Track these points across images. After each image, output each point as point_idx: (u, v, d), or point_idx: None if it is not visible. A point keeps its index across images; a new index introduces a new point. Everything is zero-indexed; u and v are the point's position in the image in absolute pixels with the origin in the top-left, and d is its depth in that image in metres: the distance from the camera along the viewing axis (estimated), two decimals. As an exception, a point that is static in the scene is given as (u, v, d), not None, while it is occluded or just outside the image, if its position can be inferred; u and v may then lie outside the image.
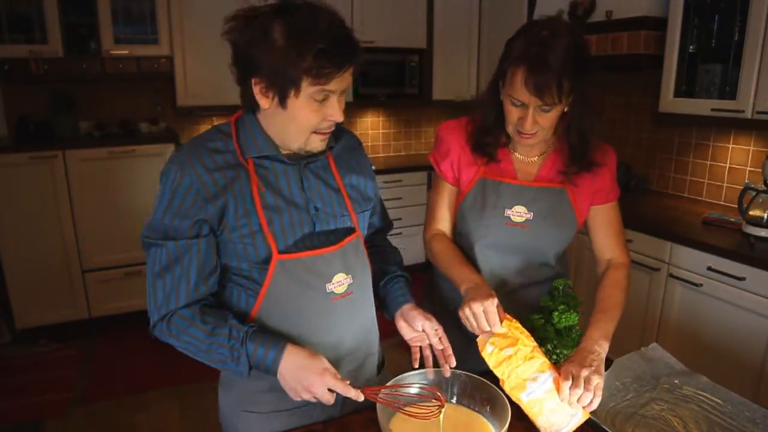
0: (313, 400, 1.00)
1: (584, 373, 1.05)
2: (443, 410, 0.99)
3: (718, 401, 1.14)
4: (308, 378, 0.98)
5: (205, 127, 3.96)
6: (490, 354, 1.10)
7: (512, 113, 1.22)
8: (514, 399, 1.07)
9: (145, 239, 1.05)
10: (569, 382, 1.05)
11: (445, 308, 1.42)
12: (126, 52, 3.32)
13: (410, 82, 4.23)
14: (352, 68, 1.00)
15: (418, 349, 1.18)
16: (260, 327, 1.06)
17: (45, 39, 3.13)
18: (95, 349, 3.27)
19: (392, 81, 4.17)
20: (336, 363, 1.10)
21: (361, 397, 0.98)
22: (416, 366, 1.17)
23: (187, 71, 3.49)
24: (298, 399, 1.01)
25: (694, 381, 1.21)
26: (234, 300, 1.11)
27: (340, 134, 1.18)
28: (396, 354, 1.24)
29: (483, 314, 1.11)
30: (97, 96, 3.62)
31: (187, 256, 1.03)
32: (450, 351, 1.14)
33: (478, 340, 1.13)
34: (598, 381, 1.06)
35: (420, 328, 1.16)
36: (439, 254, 1.37)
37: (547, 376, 1.08)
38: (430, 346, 1.17)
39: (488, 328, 1.12)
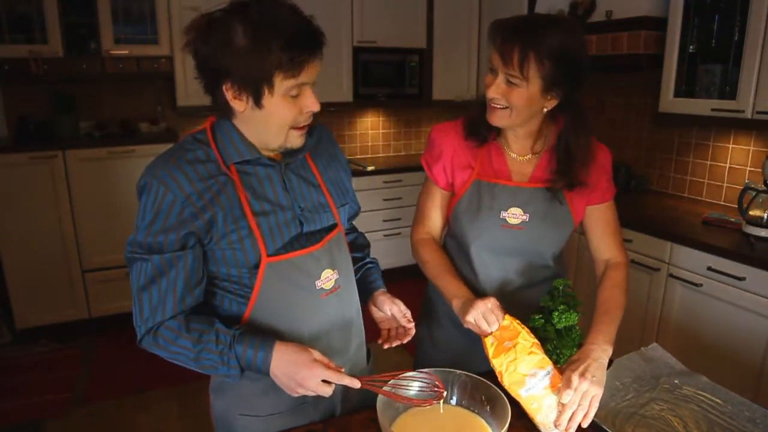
0: (311, 393, 1.00)
1: (584, 386, 1.05)
2: (443, 398, 1.00)
3: (718, 401, 1.14)
4: (299, 372, 0.98)
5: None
6: (491, 345, 1.12)
7: (487, 78, 1.23)
8: (513, 395, 1.07)
9: (128, 255, 1.02)
10: (570, 391, 1.04)
11: (445, 308, 1.41)
12: (126, 52, 3.32)
13: (410, 82, 4.23)
14: (321, 55, 0.98)
15: (386, 331, 1.25)
16: (247, 329, 1.05)
17: (45, 39, 3.13)
18: (95, 349, 3.27)
19: (392, 81, 4.17)
20: (328, 355, 1.10)
21: (356, 384, 0.99)
22: (380, 342, 1.24)
23: (187, 71, 3.48)
24: (296, 395, 1.01)
25: (694, 381, 1.21)
26: (225, 307, 1.10)
27: (312, 129, 1.15)
28: (386, 352, 1.25)
29: (489, 313, 1.14)
30: (97, 96, 3.62)
31: (173, 269, 1.00)
32: (413, 333, 1.22)
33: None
34: (596, 392, 1.05)
35: (389, 313, 1.22)
36: (429, 263, 1.36)
37: (546, 373, 1.08)
38: (397, 328, 1.25)
39: (495, 326, 1.14)
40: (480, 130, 1.31)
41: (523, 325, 1.14)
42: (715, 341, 2.28)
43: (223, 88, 0.96)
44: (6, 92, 3.41)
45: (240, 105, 0.98)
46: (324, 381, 0.99)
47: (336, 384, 1.00)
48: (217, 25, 0.93)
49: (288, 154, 1.09)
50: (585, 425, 1.05)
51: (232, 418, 1.16)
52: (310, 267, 1.08)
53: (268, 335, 1.05)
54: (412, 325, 1.22)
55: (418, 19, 4.12)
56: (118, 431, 2.55)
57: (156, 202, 0.99)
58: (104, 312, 3.40)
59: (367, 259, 1.34)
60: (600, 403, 1.08)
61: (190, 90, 3.52)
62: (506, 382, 1.08)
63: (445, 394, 1.00)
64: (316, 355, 1.01)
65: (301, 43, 0.93)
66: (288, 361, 0.99)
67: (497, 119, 1.24)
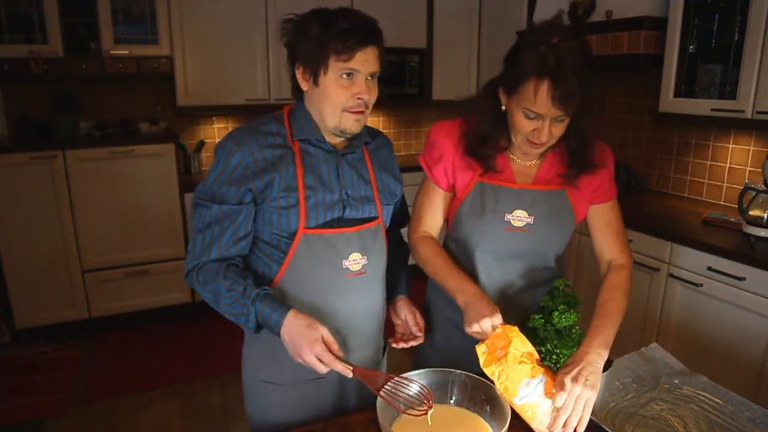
0: (308, 365, 1.08)
1: (577, 389, 1.04)
2: (430, 412, 1.01)
3: (718, 401, 1.14)
4: (300, 345, 1.07)
5: (204, 128, 3.97)
6: (483, 353, 1.12)
7: (525, 125, 1.18)
8: (508, 401, 1.06)
9: (196, 199, 1.19)
10: (564, 394, 1.04)
11: (444, 311, 1.41)
12: (126, 52, 3.32)
13: (410, 82, 4.23)
14: (376, 51, 1.13)
15: (400, 334, 1.31)
16: (273, 292, 1.17)
17: (45, 39, 3.13)
18: (95, 349, 3.27)
19: (392, 81, 4.16)
20: (346, 333, 1.21)
21: (348, 374, 1.05)
22: (390, 341, 1.29)
23: (187, 71, 3.49)
24: (297, 361, 1.10)
25: (694, 381, 1.21)
26: (261, 268, 1.23)
27: (377, 134, 1.35)
28: (389, 349, 1.27)
29: (492, 330, 1.14)
30: (97, 96, 3.62)
31: (228, 220, 1.16)
32: (421, 340, 1.28)
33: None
34: (589, 396, 1.05)
35: (403, 318, 1.31)
36: (429, 260, 1.34)
37: (538, 381, 1.07)
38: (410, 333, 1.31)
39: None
40: (488, 162, 1.28)
41: (517, 332, 1.12)
42: (715, 341, 2.28)
43: (296, 67, 1.17)
44: (6, 92, 3.41)
45: (305, 84, 1.17)
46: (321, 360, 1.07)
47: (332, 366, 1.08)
48: (300, 21, 1.14)
49: (347, 146, 1.23)
50: (580, 431, 1.05)
51: (256, 383, 1.28)
52: (340, 246, 1.20)
53: (288, 301, 1.17)
54: (421, 334, 1.28)
55: (418, 19, 4.12)
56: (118, 431, 2.55)
57: (227, 158, 1.16)
58: (104, 312, 3.40)
59: (401, 266, 1.41)
60: (600, 403, 1.08)
61: (190, 90, 3.52)
62: (500, 390, 1.07)
63: (431, 412, 1.02)
64: (324, 333, 1.08)
65: (354, 34, 1.09)
66: (295, 332, 1.09)
67: (540, 150, 1.24)
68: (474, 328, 1.15)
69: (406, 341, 1.27)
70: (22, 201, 3.09)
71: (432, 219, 1.39)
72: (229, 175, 1.15)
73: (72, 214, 3.21)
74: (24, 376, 2.97)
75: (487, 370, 1.09)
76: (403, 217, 1.46)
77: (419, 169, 1.41)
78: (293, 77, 1.19)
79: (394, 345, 1.27)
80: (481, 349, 1.12)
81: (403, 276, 1.40)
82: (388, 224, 1.33)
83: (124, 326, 3.45)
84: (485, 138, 1.27)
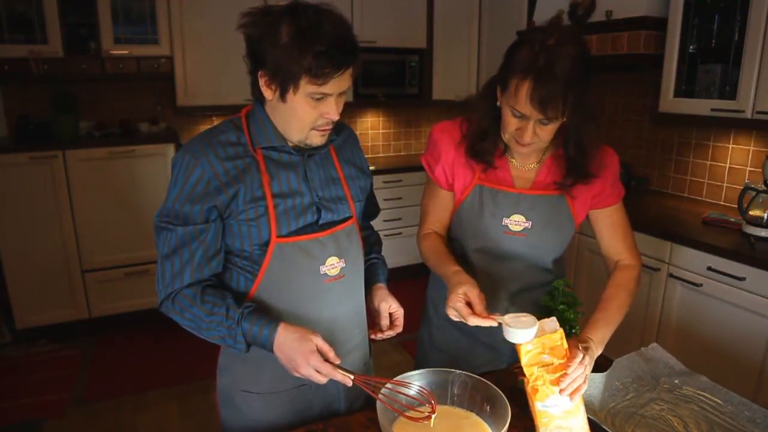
0: (308, 378, 1.04)
1: (586, 360, 1.04)
2: (433, 417, 1.00)
3: (718, 401, 1.14)
4: (295, 359, 1.03)
5: (205, 127, 3.95)
6: (527, 351, 1.04)
7: (511, 123, 1.17)
8: (528, 400, 1.05)
9: (157, 223, 1.11)
10: (579, 358, 1.02)
11: (444, 310, 1.41)
12: (126, 52, 3.33)
13: (410, 82, 4.23)
14: (350, 70, 1.05)
15: (379, 327, 1.26)
16: (256, 307, 1.11)
17: (45, 39, 3.13)
18: (95, 349, 3.27)
19: (392, 81, 4.17)
20: (330, 342, 1.12)
21: (348, 382, 1.02)
22: (370, 333, 1.26)
23: (187, 71, 3.49)
24: (296, 375, 1.06)
25: (694, 381, 1.21)
26: (234, 282, 1.17)
27: (341, 129, 1.26)
28: (387, 350, 1.25)
29: (463, 309, 1.10)
30: (97, 96, 3.62)
31: (195, 242, 1.09)
32: (390, 333, 1.23)
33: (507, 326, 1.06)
34: (588, 372, 1.04)
35: (376, 305, 1.26)
36: (426, 252, 1.35)
37: (569, 400, 1.03)
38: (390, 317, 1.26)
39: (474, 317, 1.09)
40: (486, 158, 1.28)
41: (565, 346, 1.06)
42: (715, 341, 2.28)
43: (259, 73, 1.05)
44: (6, 92, 3.41)
45: (269, 93, 1.07)
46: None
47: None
48: (269, 19, 1.02)
49: (313, 146, 1.15)
50: (574, 400, 1.02)
51: (234, 394, 1.22)
52: (315, 251, 1.14)
53: (273, 315, 1.12)
54: (395, 326, 1.24)
55: (418, 19, 4.13)
56: (118, 431, 2.55)
57: (186, 172, 1.07)
58: (104, 312, 3.40)
59: (373, 255, 1.38)
60: (600, 403, 1.08)
61: (190, 90, 3.52)
62: (529, 387, 1.04)
63: (434, 417, 1.01)
64: (319, 342, 1.04)
65: (332, 58, 0.99)
66: (288, 346, 1.05)
67: (526, 150, 1.23)
68: (450, 312, 1.13)
69: (379, 333, 1.23)
70: (22, 201, 3.09)
71: (437, 220, 1.39)
72: (191, 192, 1.07)
73: (72, 214, 3.21)
74: (24, 376, 2.97)
75: (526, 370, 1.04)
76: (373, 208, 1.40)
77: (419, 168, 1.41)
78: (254, 79, 1.07)
79: (372, 337, 1.24)
80: (526, 347, 1.03)
81: (377, 264, 1.36)
82: (360, 220, 1.30)
83: (124, 326, 3.45)
84: (486, 133, 1.27)
